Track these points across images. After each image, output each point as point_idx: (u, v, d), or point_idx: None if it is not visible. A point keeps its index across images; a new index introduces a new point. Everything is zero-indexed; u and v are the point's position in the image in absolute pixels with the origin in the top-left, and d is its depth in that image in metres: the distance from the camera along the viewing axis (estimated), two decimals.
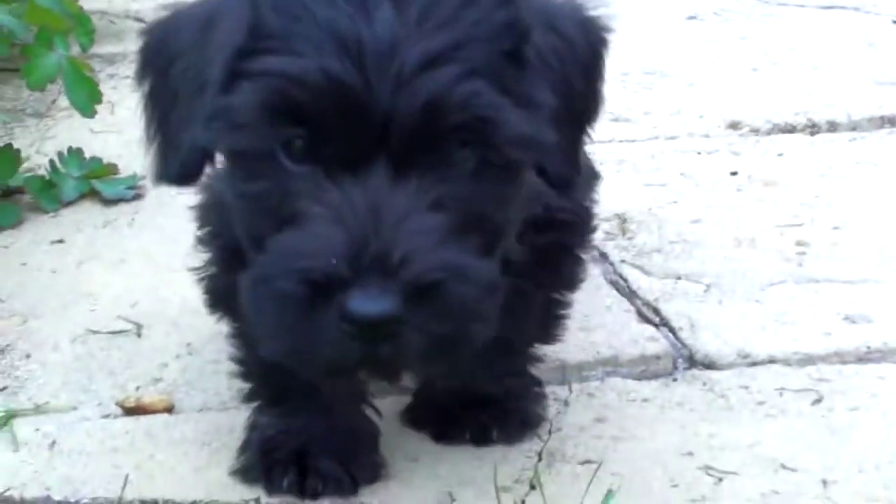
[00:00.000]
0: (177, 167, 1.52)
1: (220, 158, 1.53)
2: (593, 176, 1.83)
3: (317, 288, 1.35)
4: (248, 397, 1.83)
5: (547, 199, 1.68)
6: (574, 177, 1.57)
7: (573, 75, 1.52)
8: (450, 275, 1.36)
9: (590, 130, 1.61)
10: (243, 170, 1.47)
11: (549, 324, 1.82)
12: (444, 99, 1.36)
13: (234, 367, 1.83)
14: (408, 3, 1.39)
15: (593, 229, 1.81)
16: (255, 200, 1.47)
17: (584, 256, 1.81)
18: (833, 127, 2.77)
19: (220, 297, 1.77)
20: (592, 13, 1.58)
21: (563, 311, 1.82)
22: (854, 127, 2.77)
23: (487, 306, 1.42)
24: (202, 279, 1.78)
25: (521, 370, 1.82)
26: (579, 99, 1.55)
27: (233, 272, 1.68)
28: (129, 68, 1.53)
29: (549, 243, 1.71)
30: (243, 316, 1.71)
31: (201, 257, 1.76)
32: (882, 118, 2.81)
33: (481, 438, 1.75)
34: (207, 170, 1.54)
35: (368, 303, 1.32)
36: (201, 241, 1.75)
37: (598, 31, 1.58)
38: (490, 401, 1.78)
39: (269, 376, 1.78)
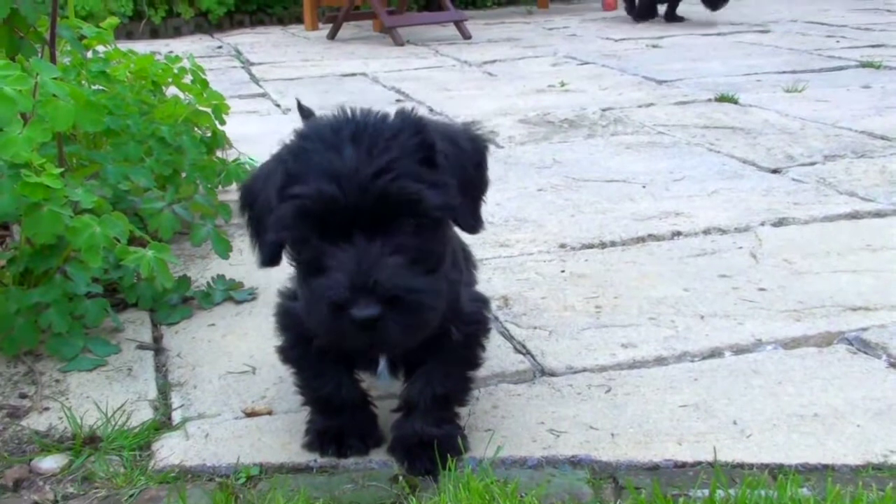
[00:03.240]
0: (264, 257, 1.53)
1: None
2: (486, 300, 1.77)
3: (336, 307, 1.37)
4: (306, 405, 1.79)
5: (471, 307, 1.69)
6: (477, 226, 1.54)
7: (466, 168, 1.50)
8: (404, 292, 1.38)
9: (483, 198, 1.57)
10: (295, 250, 1.48)
11: (465, 392, 1.74)
12: (386, 193, 1.38)
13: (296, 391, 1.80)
14: (360, 143, 1.39)
15: (489, 329, 1.76)
16: (303, 264, 1.47)
17: (485, 345, 1.74)
18: (613, 244, 2.78)
19: (286, 360, 1.76)
20: (477, 132, 1.60)
21: (472, 385, 1.75)
22: (624, 243, 2.76)
23: (431, 303, 1.43)
24: (278, 350, 1.76)
25: (451, 419, 1.70)
26: (473, 180, 1.52)
27: (293, 349, 1.68)
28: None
29: (471, 332, 1.68)
30: (300, 367, 1.70)
31: (278, 342, 1.75)
32: (638, 237, 2.80)
33: (431, 468, 1.63)
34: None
35: (362, 311, 1.35)
36: (277, 330, 1.74)
37: (481, 142, 1.58)
38: (432, 441, 1.65)
39: (321, 404, 1.75)
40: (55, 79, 2.13)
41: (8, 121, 1.98)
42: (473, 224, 1.52)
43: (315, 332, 1.50)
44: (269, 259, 1.52)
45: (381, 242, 1.38)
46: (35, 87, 2.07)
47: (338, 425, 1.71)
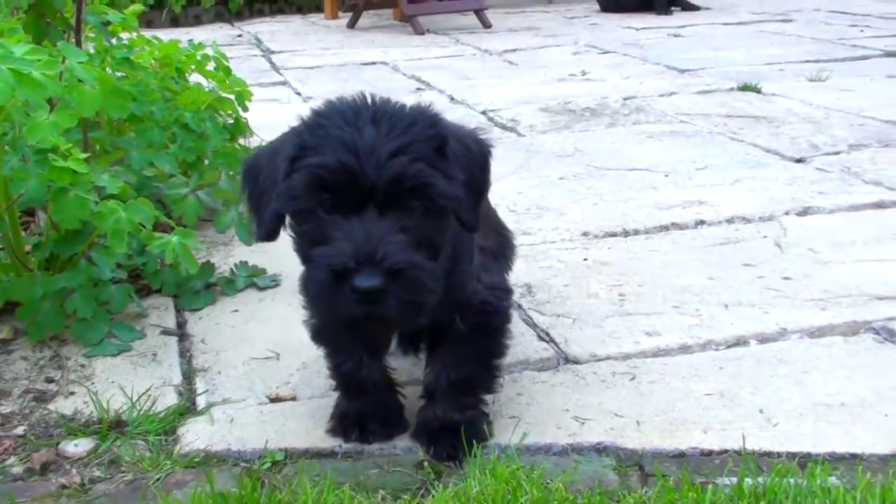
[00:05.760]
0: (264, 231, 1.50)
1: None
2: (506, 290, 1.75)
3: (337, 275, 1.36)
4: (335, 389, 1.78)
5: (485, 296, 1.66)
6: (476, 225, 1.53)
7: (472, 168, 1.50)
8: (409, 266, 1.37)
9: (484, 198, 1.61)
10: (298, 221, 1.46)
11: (489, 380, 1.72)
12: (403, 174, 1.38)
13: (327, 374, 1.79)
14: (380, 124, 1.40)
15: (504, 318, 1.72)
16: (305, 235, 1.45)
17: (505, 333, 1.72)
18: (636, 232, 2.75)
19: (314, 335, 1.74)
20: (483, 136, 1.60)
21: (497, 373, 1.73)
22: (647, 231, 2.74)
23: (431, 285, 1.41)
24: (307, 323, 1.73)
25: (474, 405, 1.70)
26: (476, 180, 1.51)
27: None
28: None
29: (480, 322, 1.66)
30: (330, 345, 1.70)
31: (306, 313, 1.69)
32: (661, 226, 2.78)
33: (453, 453, 1.63)
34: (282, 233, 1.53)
35: (366, 281, 1.34)
36: (305, 306, 1.66)
37: (486, 146, 1.58)
38: (457, 427, 1.65)
39: (343, 382, 1.75)
40: (82, 63, 2.13)
41: (36, 105, 1.99)
42: (473, 222, 1.53)
43: (311, 302, 1.50)
44: (269, 232, 1.51)
45: (390, 220, 1.38)
46: (62, 73, 2.08)
47: (360, 409, 1.72)
